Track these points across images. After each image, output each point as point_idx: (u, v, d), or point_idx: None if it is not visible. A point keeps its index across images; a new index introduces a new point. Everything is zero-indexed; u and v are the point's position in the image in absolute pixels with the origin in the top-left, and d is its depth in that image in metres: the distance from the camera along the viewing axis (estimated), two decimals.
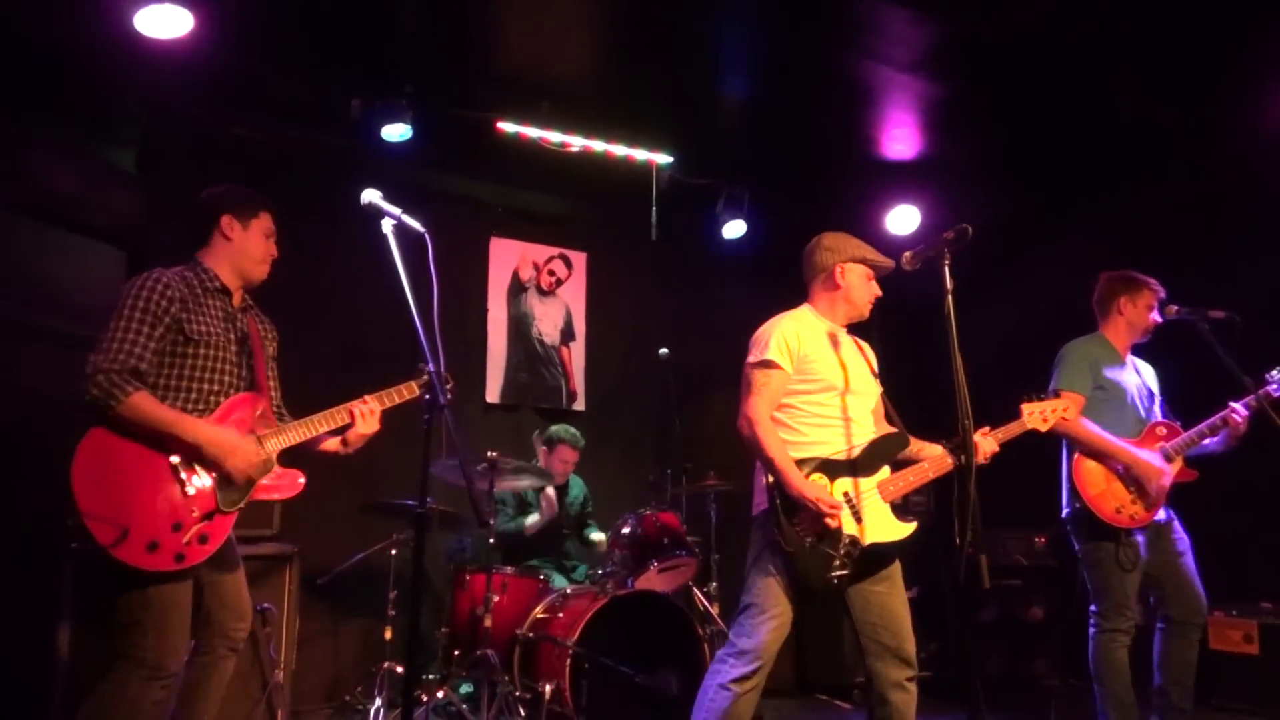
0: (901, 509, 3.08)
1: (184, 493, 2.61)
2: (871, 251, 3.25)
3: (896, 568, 3.07)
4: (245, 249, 2.93)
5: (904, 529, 3.04)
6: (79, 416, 2.59)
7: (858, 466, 3.04)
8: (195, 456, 2.64)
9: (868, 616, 3.00)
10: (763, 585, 2.97)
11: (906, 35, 4.51)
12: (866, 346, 3.31)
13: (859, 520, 2.96)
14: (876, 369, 3.26)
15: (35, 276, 4.13)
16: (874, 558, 2.99)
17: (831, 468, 3.00)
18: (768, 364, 3.06)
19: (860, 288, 3.22)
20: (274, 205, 3.03)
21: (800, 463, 2.95)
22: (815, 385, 3.08)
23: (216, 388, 2.79)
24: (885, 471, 3.09)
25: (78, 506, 2.48)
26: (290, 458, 2.92)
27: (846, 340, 3.25)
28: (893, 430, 3.18)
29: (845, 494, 2.99)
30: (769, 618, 2.94)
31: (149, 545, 2.53)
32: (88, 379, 2.55)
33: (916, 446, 3.19)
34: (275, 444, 2.82)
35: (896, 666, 2.95)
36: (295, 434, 2.86)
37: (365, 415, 2.94)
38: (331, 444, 3.01)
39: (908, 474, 3.09)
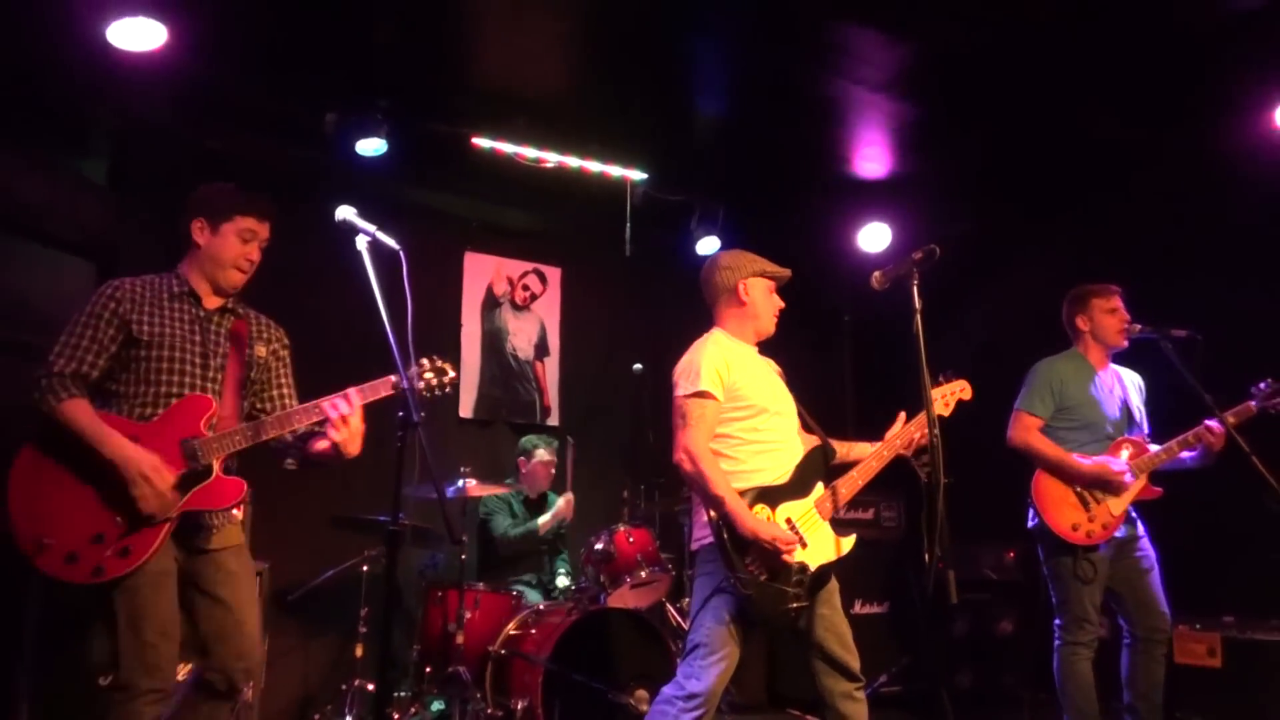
0: (843, 523, 3.12)
1: (109, 504, 2.55)
2: (769, 264, 3.26)
3: (834, 586, 3.09)
4: (213, 254, 2.82)
5: (845, 544, 3.08)
6: (34, 428, 2.59)
7: (794, 489, 3.03)
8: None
9: (815, 639, 3.01)
10: (713, 626, 2.93)
11: (878, 56, 4.58)
12: (771, 362, 3.32)
13: (804, 544, 2.96)
14: (785, 379, 3.28)
15: (2, 288, 4.08)
16: (820, 579, 3.00)
17: (771, 495, 2.98)
18: (702, 394, 2.99)
19: (764, 301, 3.23)
20: (260, 208, 2.88)
21: (740, 494, 2.92)
22: (747, 411, 3.04)
23: (173, 390, 2.70)
24: (820, 488, 3.09)
25: (10, 516, 2.48)
26: (255, 465, 2.85)
27: (760, 360, 3.25)
28: (817, 443, 3.18)
29: (788, 520, 2.98)
30: (719, 659, 2.91)
31: (67, 557, 2.50)
32: (33, 383, 2.56)
33: (843, 448, 3.21)
34: (215, 449, 2.66)
35: (846, 680, 2.99)
36: (239, 439, 2.70)
37: (344, 409, 2.71)
38: (321, 445, 2.81)
39: (839, 486, 3.10)
